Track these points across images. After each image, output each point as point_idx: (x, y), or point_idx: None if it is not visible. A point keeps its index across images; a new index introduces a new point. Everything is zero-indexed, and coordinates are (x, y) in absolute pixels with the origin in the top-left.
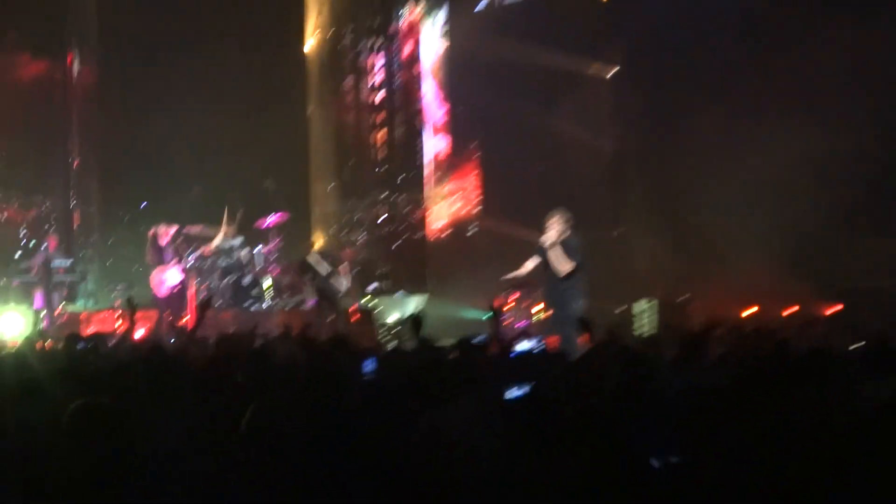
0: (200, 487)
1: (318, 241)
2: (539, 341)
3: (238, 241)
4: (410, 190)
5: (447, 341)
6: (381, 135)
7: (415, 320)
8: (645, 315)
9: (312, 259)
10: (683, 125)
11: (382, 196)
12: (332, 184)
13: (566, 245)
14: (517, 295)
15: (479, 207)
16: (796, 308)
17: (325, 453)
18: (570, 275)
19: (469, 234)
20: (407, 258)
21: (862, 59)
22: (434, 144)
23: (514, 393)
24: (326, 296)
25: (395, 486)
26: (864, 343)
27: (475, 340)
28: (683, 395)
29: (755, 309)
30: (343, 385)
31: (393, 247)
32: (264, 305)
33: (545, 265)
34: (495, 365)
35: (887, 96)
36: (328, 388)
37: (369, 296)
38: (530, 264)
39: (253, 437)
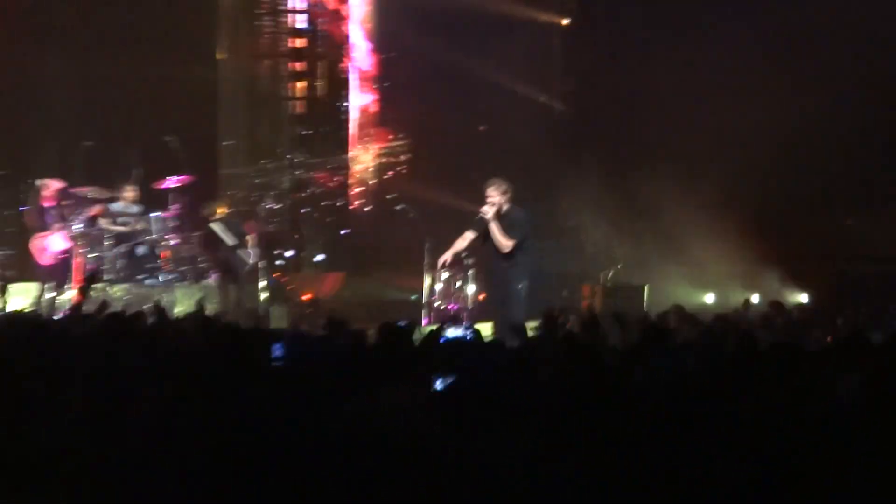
0: (85, 484)
1: (224, 208)
2: (469, 328)
3: (136, 206)
4: (332, 151)
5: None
6: (300, 87)
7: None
8: (595, 298)
9: (217, 227)
10: (639, 82)
11: (299, 158)
12: (243, 142)
13: (509, 218)
14: (448, 272)
15: (410, 173)
16: (757, 295)
17: (226, 450)
18: (512, 252)
19: (397, 204)
20: (325, 229)
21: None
22: (360, 99)
23: (444, 382)
24: (231, 269)
25: (310, 484)
26: (836, 335)
27: (399, 325)
28: (648, 387)
29: (712, 296)
30: (249, 372)
31: (309, 215)
32: (161, 279)
33: (484, 239)
34: (421, 352)
35: (865, 56)
36: (231, 374)
37: (279, 272)
38: (468, 236)
39: (145, 429)
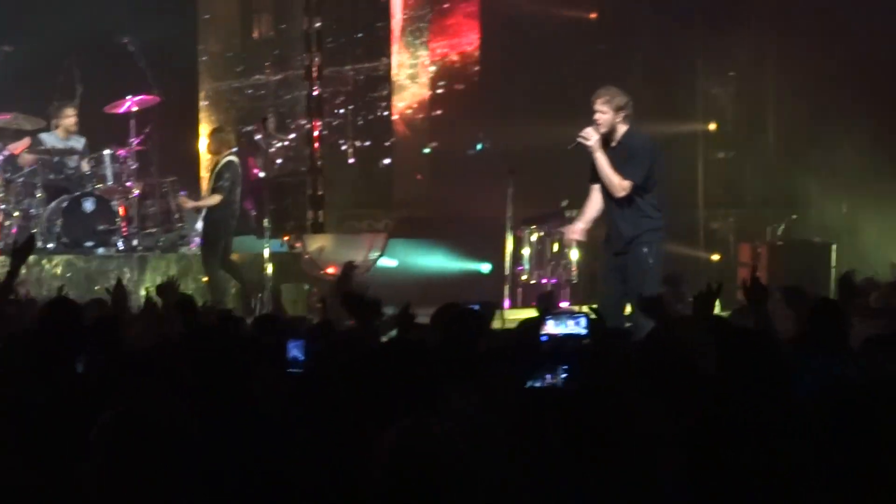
0: None
1: (210, 139)
2: (582, 317)
3: (80, 140)
4: (365, 53)
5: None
6: None
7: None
8: (759, 263)
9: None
10: None
11: (316, 63)
12: (233, 44)
13: (624, 146)
14: (541, 230)
15: (480, 87)
16: None
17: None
18: (632, 197)
19: (463, 132)
20: (357, 169)
21: None
22: None
23: (541, 381)
24: (225, 231)
25: None
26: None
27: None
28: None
29: None
30: (250, 381)
31: (334, 150)
32: (120, 246)
33: (595, 178)
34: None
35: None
36: (225, 385)
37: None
38: (594, 196)
39: (101, 457)
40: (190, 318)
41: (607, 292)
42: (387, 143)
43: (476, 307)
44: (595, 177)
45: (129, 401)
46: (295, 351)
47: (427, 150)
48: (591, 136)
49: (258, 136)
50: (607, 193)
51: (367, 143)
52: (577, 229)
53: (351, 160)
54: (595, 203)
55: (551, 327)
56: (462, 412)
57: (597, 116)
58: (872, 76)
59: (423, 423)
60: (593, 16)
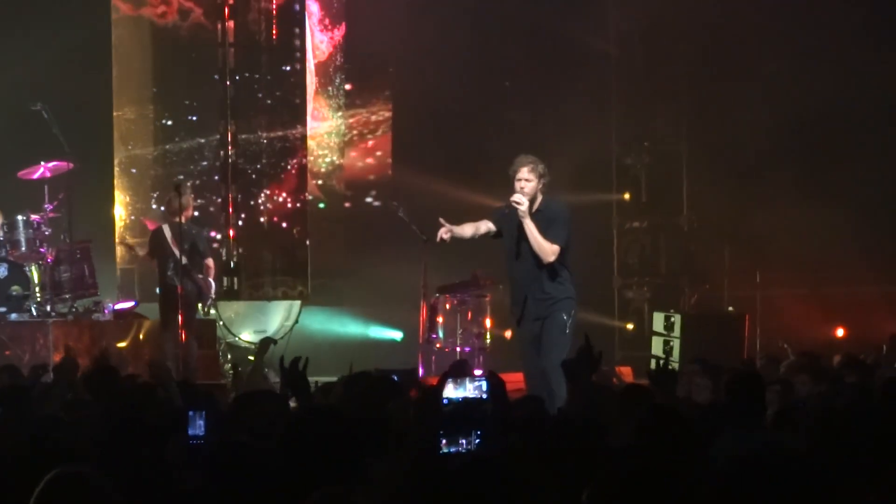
0: None
1: (123, 208)
2: (485, 380)
3: None
4: (281, 121)
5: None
6: (232, 25)
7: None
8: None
9: (168, 233)
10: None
11: (231, 130)
12: (148, 110)
13: (547, 213)
14: (455, 298)
15: (393, 150)
16: None
17: None
18: (552, 263)
19: (375, 196)
20: (272, 236)
21: None
22: (319, 39)
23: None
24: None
25: None
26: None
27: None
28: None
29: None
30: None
31: (247, 219)
32: (33, 312)
33: (515, 242)
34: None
35: None
36: (136, 454)
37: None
38: (481, 227)
39: None
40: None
41: (530, 366)
42: (302, 210)
43: (395, 377)
44: (498, 221)
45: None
46: (197, 421)
47: (322, 206)
48: (523, 202)
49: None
50: (518, 260)
51: (282, 210)
52: (447, 230)
53: (266, 225)
54: (474, 229)
55: (451, 391)
56: (383, 481)
57: (522, 185)
58: (791, 141)
59: (346, 494)
60: (507, 84)
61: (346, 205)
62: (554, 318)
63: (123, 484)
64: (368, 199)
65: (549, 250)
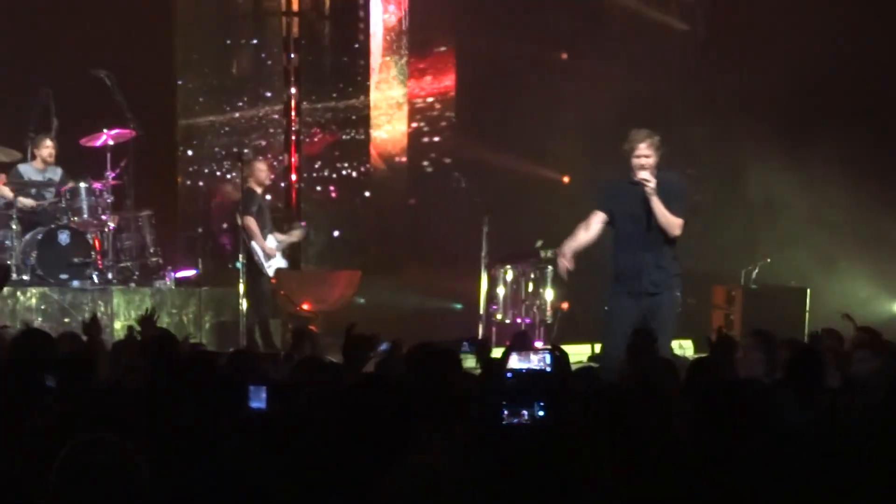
0: None
1: (185, 177)
2: (548, 353)
3: (56, 171)
4: (344, 92)
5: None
6: None
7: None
8: (732, 307)
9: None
10: None
11: (294, 100)
12: (212, 79)
13: (666, 187)
14: (516, 269)
15: (457, 124)
16: None
17: None
18: (669, 238)
19: (440, 169)
20: (335, 206)
21: None
22: (385, 14)
23: (517, 418)
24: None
25: None
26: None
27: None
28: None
29: None
30: (213, 423)
31: (312, 187)
32: (95, 279)
33: (635, 217)
34: (477, 396)
35: None
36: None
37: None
38: (595, 222)
39: (56, 495)
40: (167, 354)
41: (619, 333)
42: (364, 180)
43: (465, 343)
44: (606, 205)
45: (88, 442)
46: (258, 395)
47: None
48: (651, 180)
49: (234, 173)
50: (637, 235)
51: (345, 180)
52: (568, 256)
53: (331, 194)
54: (593, 232)
55: (515, 363)
56: (442, 452)
57: (642, 162)
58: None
59: (430, 464)
60: (564, 56)
61: (407, 175)
62: (670, 294)
63: (171, 454)
64: (430, 170)
65: (675, 224)
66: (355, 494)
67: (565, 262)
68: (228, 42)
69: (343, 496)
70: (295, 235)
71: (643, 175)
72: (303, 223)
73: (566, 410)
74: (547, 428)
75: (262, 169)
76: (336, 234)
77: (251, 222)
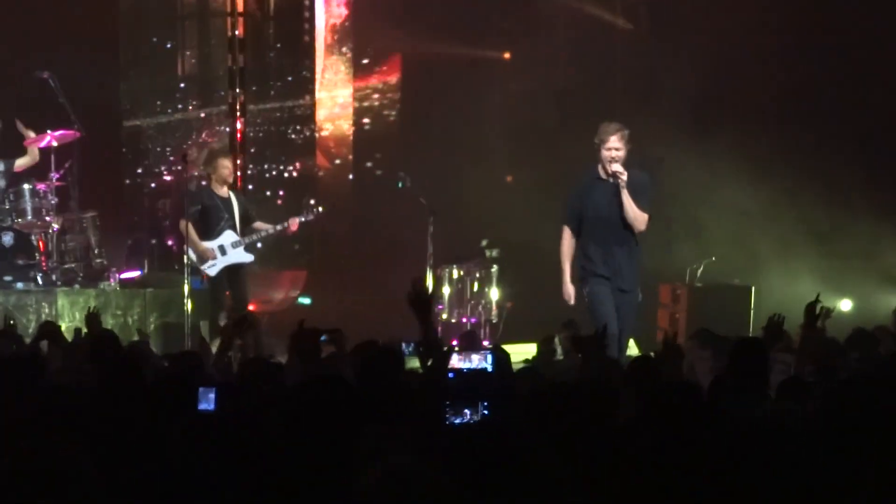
0: None
1: (130, 178)
2: (490, 353)
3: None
4: (288, 92)
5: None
6: None
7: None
8: (677, 305)
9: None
10: None
11: (240, 100)
12: (157, 80)
13: (633, 182)
14: (461, 268)
15: (401, 123)
16: None
17: None
18: (631, 235)
19: (384, 169)
20: (280, 206)
21: None
22: (329, 12)
23: (461, 417)
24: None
25: None
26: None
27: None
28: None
29: (849, 302)
30: (160, 422)
31: (256, 187)
32: (39, 281)
33: (604, 211)
34: (422, 392)
35: None
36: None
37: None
38: (569, 241)
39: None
40: (110, 354)
41: (610, 315)
42: (309, 180)
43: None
44: (572, 220)
45: (31, 444)
46: (207, 397)
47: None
48: (625, 173)
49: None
50: (605, 229)
51: (290, 180)
52: (571, 292)
53: (277, 193)
54: (570, 248)
55: (457, 362)
56: (385, 452)
57: (613, 155)
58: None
59: (414, 463)
60: (506, 56)
61: (352, 174)
62: (635, 296)
63: (119, 456)
64: (375, 169)
65: (642, 219)
66: (306, 494)
67: (570, 297)
68: (173, 43)
69: (293, 496)
70: (263, 228)
71: (616, 168)
72: (312, 209)
73: (508, 410)
74: (489, 427)
75: (225, 166)
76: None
77: (183, 224)
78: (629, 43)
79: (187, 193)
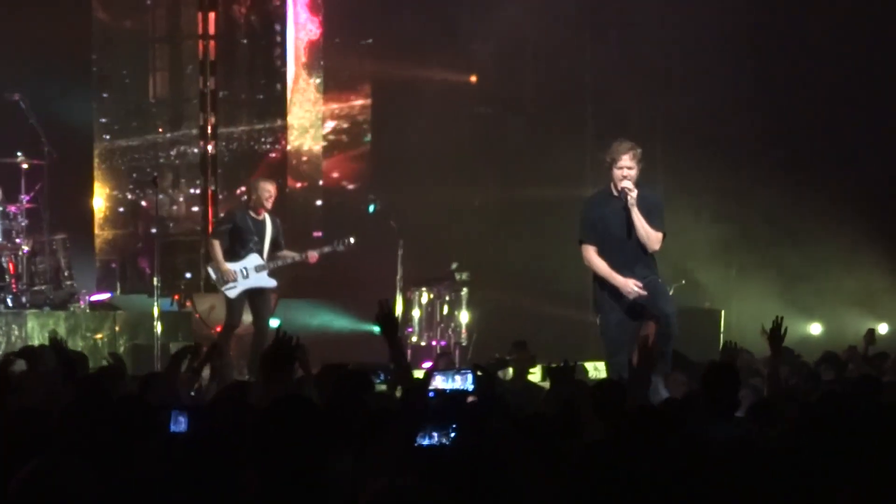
0: None
1: (102, 200)
2: (469, 376)
3: None
4: (260, 114)
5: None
6: (213, 16)
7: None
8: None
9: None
10: None
11: (210, 123)
12: (129, 102)
13: (647, 201)
14: (431, 292)
15: (372, 146)
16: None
17: None
18: (644, 252)
19: (356, 192)
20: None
21: None
22: (301, 32)
23: (429, 438)
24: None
25: None
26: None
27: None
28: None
29: (819, 326)
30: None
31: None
32: (9, 303)
33: (615, 229)
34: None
35: None
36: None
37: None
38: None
39: None
40: (79, 376)
41: (620, 347)
42: (279, 201)
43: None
44: (592, 236)
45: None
46: (178, 420)
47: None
48: (634, 190)
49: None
50: (617, 247)
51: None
52: (634, 283)
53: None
54: (600, 260)
55: (439, 382)
56: (347, 473)
57: (625, 173)
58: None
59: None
60: (473, 79)
61: (321, 197)
62: (654, 280)
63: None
64: (345, 190)
65: (655, 238)
66: None
67: (638, 290)
68: (145, 65)
69: None
70: (289, 256)
71: (626, 184)
72: (343, 241)
73: (488, 431)
74: (467, 448)
75: (266, 189)
76: None
77: (210, 242)
78: (599, 66)
79: (225, 215)
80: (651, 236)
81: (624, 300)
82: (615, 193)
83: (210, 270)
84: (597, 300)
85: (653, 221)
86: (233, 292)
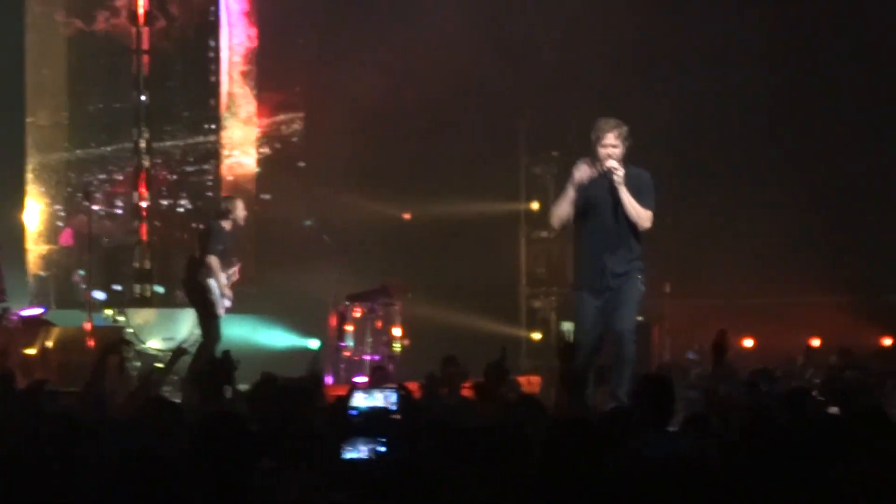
0: None
1: (35, 214)
2: (392, 394)
3: None
4: (194, 127)
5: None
6: (147, 31)
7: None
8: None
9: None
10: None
11: (144, 135)
12: (61, 116)
13: (635, 180)
14: (361, 308)
15: (304, 159)
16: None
17: None
18: (626, 233)
19: (288, 208)
20: (185, 243)
21: None
22: (235, 40)
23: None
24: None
25: None
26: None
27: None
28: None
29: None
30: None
31: (162, 225)
32: None
33: (600, 208)
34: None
35: None
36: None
37: (111, 309)
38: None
39: None
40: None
41: (587, 331)
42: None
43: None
44: (580, 211)
45: None
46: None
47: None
48: (621, 170)
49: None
50: (602, 227)
51: (194, 216)
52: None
53: (179, 232)
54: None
55: (360, 400)
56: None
57: (609, 152)
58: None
59: None
60: (407, 93)
61: (256, 211)
62: (630, 282)
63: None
64: (279, 206)
65: (645, 217)
66: None
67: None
68: (79, 79)
69: None
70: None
71: (611, 164)
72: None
73: (410, 446)
74: (392, 463)
75: (243, 209)
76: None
77: (213, 260)
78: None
79: (213, 228)
80: (641, 214)
81: (592, 281)
82: (599, 169)
83: (213, 286)
84: (574, 283)
85: (643, 200)
86: (223, 310)
